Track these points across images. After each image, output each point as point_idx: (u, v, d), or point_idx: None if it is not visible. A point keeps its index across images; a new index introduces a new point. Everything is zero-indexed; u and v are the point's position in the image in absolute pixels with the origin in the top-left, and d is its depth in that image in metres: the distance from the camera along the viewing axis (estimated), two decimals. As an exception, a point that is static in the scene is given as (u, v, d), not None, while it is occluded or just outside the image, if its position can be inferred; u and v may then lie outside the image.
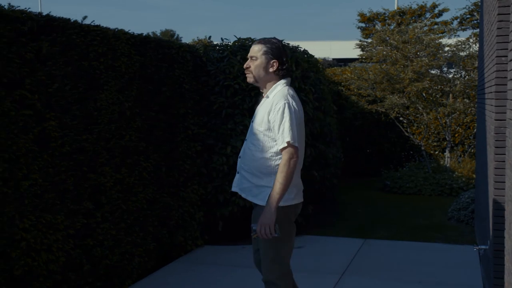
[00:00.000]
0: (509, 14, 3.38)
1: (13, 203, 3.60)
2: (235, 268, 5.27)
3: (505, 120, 3.58)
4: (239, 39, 6.46)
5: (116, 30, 4.65)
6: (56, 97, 3.97)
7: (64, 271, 4.02)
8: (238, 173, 3.35)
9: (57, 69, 3.97)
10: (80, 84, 4.20)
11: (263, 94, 3.34)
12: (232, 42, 6.46)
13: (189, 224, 5.71)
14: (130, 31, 4.84)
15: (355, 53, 17.47)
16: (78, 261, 4.16)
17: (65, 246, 4.04)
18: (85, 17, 4.30)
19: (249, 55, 3.32)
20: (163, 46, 5.30)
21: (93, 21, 4.40)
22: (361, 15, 22.30)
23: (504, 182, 3.54)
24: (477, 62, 8.96)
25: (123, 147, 4.68)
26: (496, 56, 3.74)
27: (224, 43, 6.48)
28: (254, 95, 5.98)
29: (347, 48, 24.13)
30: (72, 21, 4.15)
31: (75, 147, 4.15)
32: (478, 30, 9.74)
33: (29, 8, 3.79)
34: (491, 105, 4.03)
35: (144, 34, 5.05)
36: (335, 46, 28.67)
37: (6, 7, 3.60)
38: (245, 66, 3.34)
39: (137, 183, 4.86)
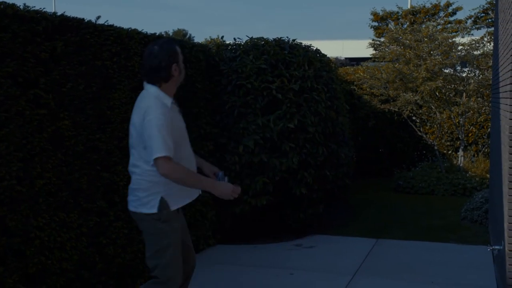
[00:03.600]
0: (524, 12, 3.34)
1: (27, 201, 3.64)
2: (248, 267, 5.28)
3: (520, 119, 3.54)
4: (251, 38, 6.46)
5: (130, 29, 4.68)
6: (70, 97, 4.00)
7: (77, 269, 4.05)
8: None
9: (71, 68, 4.00)
10: (94, 83, 4.23)
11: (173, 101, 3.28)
12: (244, 41, 6.47)
13: (201, 223, 5.72)
14: (143, 31, 4.86)
15: (368, 52, 17.39)
16: (91, 259, 4.19)
17: (78, 244, 4.07)
18: (98, 17, 4.33)
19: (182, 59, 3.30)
20: (176, 45, 5.30)
21: (107, 21, 4.43)
22: (374, 14, 22.20)
23: (519, 182, 3.51)
24: (491, 61, 8.88)
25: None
26: (511, 55, 3.70)
27: (236, 42, 6.49)
28: (267, 94, 5.98)
29: (359, 47, 24.02)
30: (86, 21, 4.18)
31: (88, 146, 4.18)
32: (492, 28, 9.66)
33: (43, 8, 3.83)
34: (506, 104, 3.99)
35: (157, 34, 5.07)
36: (347, 46, 28.59)
37: (21, 7, 3.63)
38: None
39: (149, 182, 4.88)
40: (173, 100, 3.27)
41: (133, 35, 4.68)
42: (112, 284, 4.41)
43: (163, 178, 3.11)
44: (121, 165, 4.51)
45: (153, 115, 3.04)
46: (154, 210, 3.18)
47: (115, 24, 4.51)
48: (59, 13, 3.96)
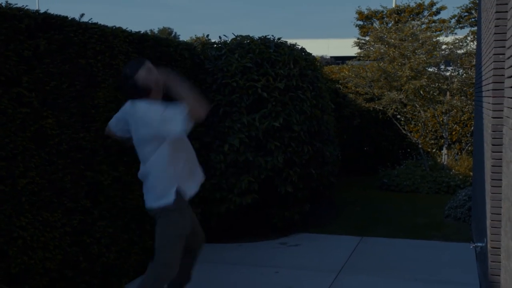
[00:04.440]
0: (506, 12, 3.38)
1: (10, 201, 3.60)
2: (233, 266, 5.28)
3: (502, 118, 3.59)
4: (237, 37, 6.46)
5: (114, 28, 4.65)
6: (54, 95, 3.97)
7: (61, 269, 4.03)
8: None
9: (54, 67, 3.97)
10: (78, 82, 4.20)
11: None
12: (230, 40, 6.46)
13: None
14: (128, 29, 4.83)
15: (353, 51, 17.47)
16: (75, 258, 4.16)
17: (62, 243, 4.04)
18: (82, 15, 4.30)
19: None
20: (161, 44, 5.29)
21: (91, 18, 4.40)
22: (359, 13, 22.32)
23: (501, 179, 3.55)
24: (474, 60, 8.97)
25: (120, 144, 4.67)
26: (494, 54, 3.75)
27: (222, 41, 6.48)
28: (252, 93, 5.98)
29: (345, 46, 24.11)
30: (69, 19, 4.15)
31: (72, 145, 4.15)
32: (476, 28, 9.76)
33: (26, 6, 3.79)
34: (489, 103, 4.04)
35: (142, 32, 5.04)
36: (333, 44, 28.69)
37: (3, 4, 3.59)
38: None
39: (134, 181, 4.85)
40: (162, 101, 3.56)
41: (118, 33, 4.65)
42: (96, 283, 4.39)
43: (177, 170, 3.46)
44: (105, 164, 4.48)
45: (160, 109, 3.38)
46: (170, 202, 3.44)
47: (99, 22, 4.48)
48: (42, 11, 3.93)
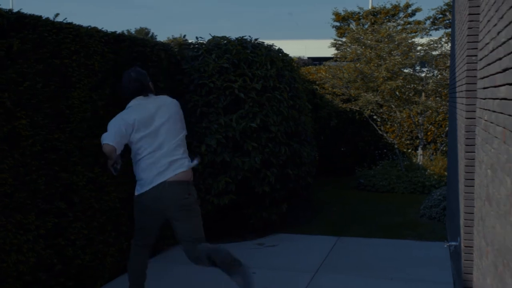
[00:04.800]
0: (479, 14, 3.43)
1: (-18, 203, 3.54)
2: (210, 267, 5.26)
3: (474, 118, 3.64)
4: (214, 37, 6.45)
5: (89, 27, 4.60)
6: (27, 95, 3.91)
7: (34, 272, 3.97)
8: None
9: (28, 66, 3.91)
10: (52, 82, 4.15)
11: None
12: (207, 40, 6.44)
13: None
14: (103, 29, 4.79)
15: (330, 52, 17.59)
16: (49, 261, 4.11)
17: (35, 246, 3.98)
18: (57, 15, 4.24)
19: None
20: (138, 44, 5.26)
21: (65, 18, 4.35)
22: (336, 14, 22.44)
23: (474, 179, 3.61)
24: (449, 61, 9.10)
25: (96, 146, 4.63)
26: (467, 56, 3.81)
27: (199, 41, 6.46)
28: (229, 94, 5.98)
29: (322, 47, 24.25)
30: (44, 18, 4.10)
31: (46, 146, 4.10)
32: (450, 29, 9.89)
33: (-1, 5, 3.73)
34: (462, 104, 4.10)
35: (118, 32, 5.00)
36: (310, 45, 28.79)
37: (-26, 3, 3.53)
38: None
39: (110, 182, 4.82)
40: None
41: (93, 33, 4.61)
42: (71, 285, 4.34)
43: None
44: (80, 165, 4.43)
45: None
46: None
47: (74, 22, 4.43)
48: (15, 10, 3.87)
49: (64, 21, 4.31)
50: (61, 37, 4.23)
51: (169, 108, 4.09)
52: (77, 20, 4.43)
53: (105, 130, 4.86)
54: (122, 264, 5.03)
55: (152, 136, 3.94)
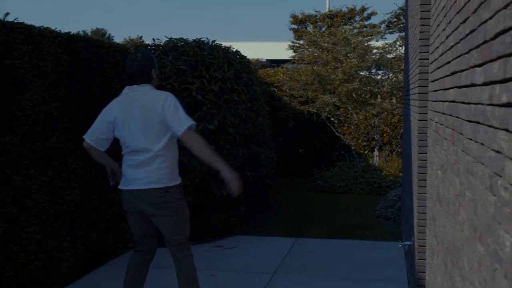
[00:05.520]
0: (429, 18, 3.52)
1: None
2: (167, 269, 5.21)
3: (426, 120, 3.73)
4: (171, 39, 6.41)
5: (42, 28, 4.50)
6: (-23, 97, 3.80)
7: (-14, 279, 3.85)
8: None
9: (-23, 67, 3.80)
10: (3, 83, 4.04)
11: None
12: (163, 42, 6.40)
13: (119, 226, 5.60)
14: (57, 29, 4.70)
15: (288, 54, 17.69)
16: (0, 267, 3.99)
17: (-13, 252, 3.87)
18: (7, 14, 4.14)
19: None
20: (93, 45, 5.17)
21: (16, 18, 4.24)
22: (294, 17, 22.62)
23: (426, 180, 3.69)
24: (403, 64, 9.30)
25: (49, 148, 4.53)
26: (419, 59, 3.90)
27: (155, 43, 6.41)
28: (187, 95, 5.95)
29: (280, 49, 24.38)
30: (-7, 17, 3.99)
31: (-3, 149, 3.99)
32: (404, 33, 10.12)
33: None
34: (415, 106, 4.19)
35: (72, 33, 4.91)
36: (269, 47, 28.90)
37: None
38: None
39: (64, 186, 4.73)
40: None
41: (46, 33, 4.51)
42: (24, 292, 4.23)
43: (176, 153, 3.65)
44: (33, 169, 4.33)
45: (172, 97, 3.53)
46: (179, 181, 3.69)
47: (26, 22, 4.33)
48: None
49: (15, 21, 4.21)
50: (12, 37, 4.13)
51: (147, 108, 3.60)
52: (29, 20, 4.32)
53: (60, 132, 4.78)
54: (77, 269, 4.93)
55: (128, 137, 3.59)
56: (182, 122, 3.45)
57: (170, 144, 3.57)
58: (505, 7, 1.15)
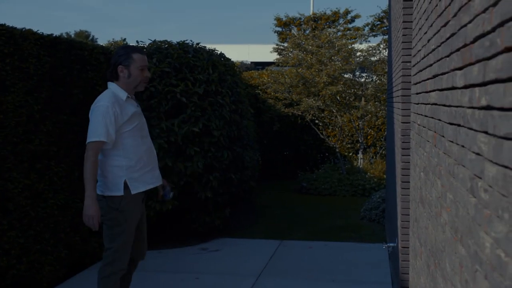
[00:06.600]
0: (411, 22, 3.55)
1: None
2: (152, 273, 5.19)
3: (409, 123, 3.76)
4: (155, 41, 6.39)
5: (24, 29, 4.46)
6: (-43, 100, 3.75)
7: (-33, 284, 3.81)
8: (154, 168, 3.65)
9: (-42, 69, 3.75)
10: (-16, 85, 3.99)
11: (131, 98, 3.58)
12: (147, 44, 6.38)
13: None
14: (39, 31, 4.66)
15: (273, 57, 17.74)
16: (-18, 272, 3.95)
17: (-32, 257, 3.82)
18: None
19: (146, 65, 3.58)
20: (75, 47, 5.14)
21: (-2, 20, 4.19)
22: (278, 19, 22.67)
23: (409, 182, 3.72)
24: (387, 67, 9.36)
25: (32, 151, 4.49)
26: (402, 62, 3.93)
27: (140, 45, 6.38)
28: (171, 98, 5.93)
29: (265, 51, 24.42)
30: (-26, 19, 3.94)
31: (-22, 152, 3.94)
32: (387, 36, 10.19)
33: None
34: (398, 108, 4.22)
35: (55, 35, 4.87)
36: (253, 50, 28.92)
37: None
38: (148, 76, 3.61)
39: (47, 189, 4.68)
40: (132, 96, 3.56)
41: (28, 35, 4.47)
42: (6, 297, 4.18)
43: (124, 162, 3.41)
44: (15, 172, 4.28)
45: (101, 103, 3.37)
46: (119, 193, 3.41)
47: (7, 24, 4.29)
48: None
49: (-3, 23, 4.17)
50: (-6, 39, 4.08)
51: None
52: (11, 22, 4.27)
53: (43, 135, 4.73)
54: (61, 273, 4.89)
55: None
56: (89, 134, 3.35)
57: (105, 152, 3.44)
58: (484, 11, 1.17)
